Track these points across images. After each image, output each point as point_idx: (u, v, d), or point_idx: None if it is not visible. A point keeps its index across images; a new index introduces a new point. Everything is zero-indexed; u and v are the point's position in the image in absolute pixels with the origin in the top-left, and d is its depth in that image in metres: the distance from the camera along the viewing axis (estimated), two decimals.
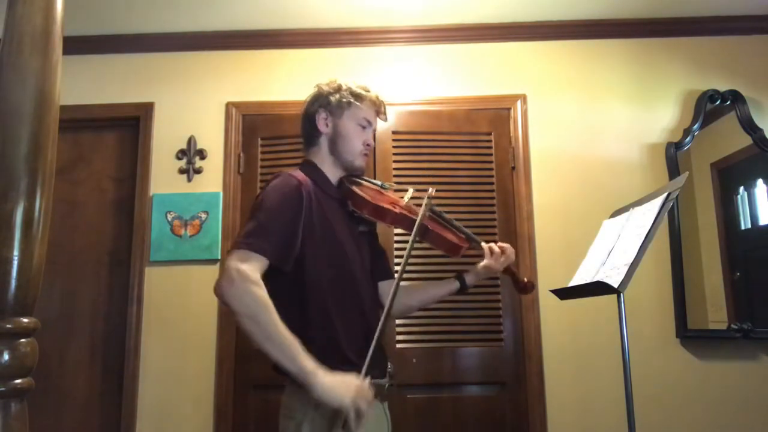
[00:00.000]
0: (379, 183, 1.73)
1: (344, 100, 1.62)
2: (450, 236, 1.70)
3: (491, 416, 2.48)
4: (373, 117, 1.67)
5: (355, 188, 1.61)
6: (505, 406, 2.49)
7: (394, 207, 1.63)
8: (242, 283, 1.33)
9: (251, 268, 1.36)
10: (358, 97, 1.63)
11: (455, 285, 1.77)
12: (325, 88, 1.66)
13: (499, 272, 1.78)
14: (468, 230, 1.76)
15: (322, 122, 1.63)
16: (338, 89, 1.64)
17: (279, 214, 1.45)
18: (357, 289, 1.56)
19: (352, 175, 1.67)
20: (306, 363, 1.33)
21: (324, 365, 1.36)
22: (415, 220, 1.61)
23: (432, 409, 2.48)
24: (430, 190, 1.69)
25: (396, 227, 1.70)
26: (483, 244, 1.76)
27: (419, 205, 1.66)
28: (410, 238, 1.59)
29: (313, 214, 1.50)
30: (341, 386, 1.33)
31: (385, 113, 1.71)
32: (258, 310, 1.34)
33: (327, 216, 1.53)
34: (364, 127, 1.64)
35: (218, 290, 1.36)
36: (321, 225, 1.51)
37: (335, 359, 1.43)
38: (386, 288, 1.69)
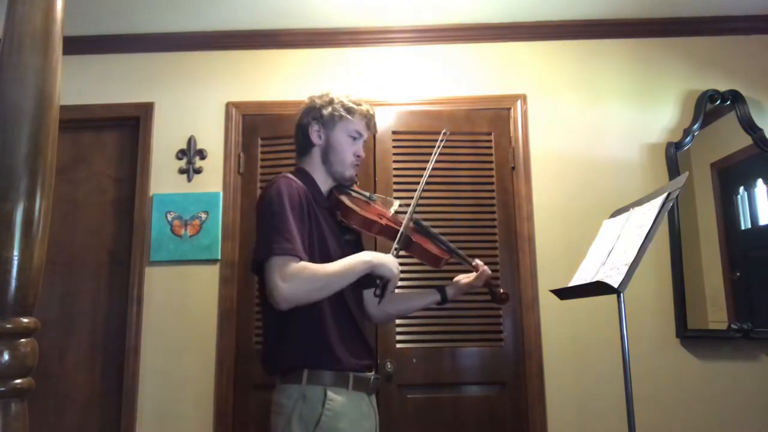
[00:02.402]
0: (366, 194, 1.79)
1: (336, 113, 1.70)
2: (433, 248, 1.78)
3: (491, 416, 2.48)
4: (363, 129, 1.74)
5: (344, 198, 1.69)
6: (505, 406, 2.49)
7: (381, 218, 1.70)
8: (294, 284, 1.45)
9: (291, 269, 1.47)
10: (349, 110, 1.71)
11: (436, 297, 1.87)
12: (318, 101, 1.74)
13: (479, 287, 1.88)
14: (452, 244, 1.84)
15: (315, 134, 1.71)
16: (330, 102, 1.72)
17: (290, 213, 1.53)
18: (342, 296, 1.61)
19: (341, 185, 1.75)
20: (361, 260, 1.55)
21: (313, 363, 1.49)
22: (400, 231, 1.68)
23: (432, 409, 2.48)
24: (445, 131, 1.88)
25: (382, 237, 1.77)
26: (475, 261, 1.85)
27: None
28: (393, 247, 1.66)
29: (310, 216, 1.59)
30: (390, 262, 1.58)
31: (375, 126, 1.79)
32: (319, 283, 1.49)
33: (319, 220, 1.61)
34: (355, 139, 1.72)
35: (279, 304, 1.47)
36: (315, 228, 1.59)
37: (325, 358, 1.53)
38: (370, 296, 1.75)
